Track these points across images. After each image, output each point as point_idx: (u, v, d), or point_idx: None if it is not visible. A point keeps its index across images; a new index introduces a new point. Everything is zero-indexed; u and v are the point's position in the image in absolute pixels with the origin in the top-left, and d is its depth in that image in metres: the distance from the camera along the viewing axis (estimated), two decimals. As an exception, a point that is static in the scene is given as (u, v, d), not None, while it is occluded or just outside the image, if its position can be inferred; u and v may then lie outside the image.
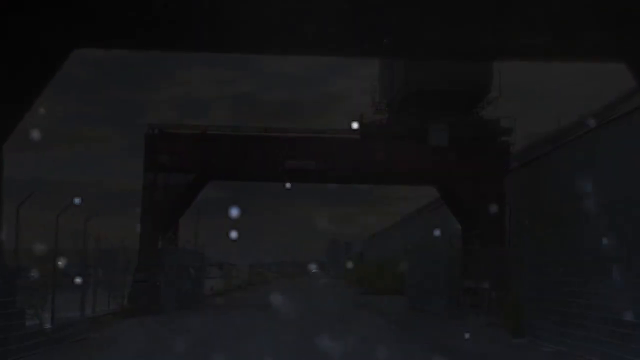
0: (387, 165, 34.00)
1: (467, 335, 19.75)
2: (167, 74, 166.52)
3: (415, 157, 33.71)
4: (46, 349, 16.14)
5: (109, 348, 17.98)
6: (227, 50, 15.55)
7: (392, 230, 77.46)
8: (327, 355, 16.13)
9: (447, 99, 34.07)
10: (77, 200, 18.38)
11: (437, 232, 42.37)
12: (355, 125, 34.28)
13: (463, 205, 34.66)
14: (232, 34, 13.79)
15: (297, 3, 13.32)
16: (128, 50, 15.73)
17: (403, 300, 40.92)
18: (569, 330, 17.21)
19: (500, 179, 33.18)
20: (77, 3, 13.18)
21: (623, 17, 12.19)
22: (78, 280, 24.12)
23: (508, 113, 35.01)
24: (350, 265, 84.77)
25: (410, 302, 38.65)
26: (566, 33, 12.70)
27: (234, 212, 38.74)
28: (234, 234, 47.80)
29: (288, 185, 37.62)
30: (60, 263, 20.83)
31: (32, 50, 14.20)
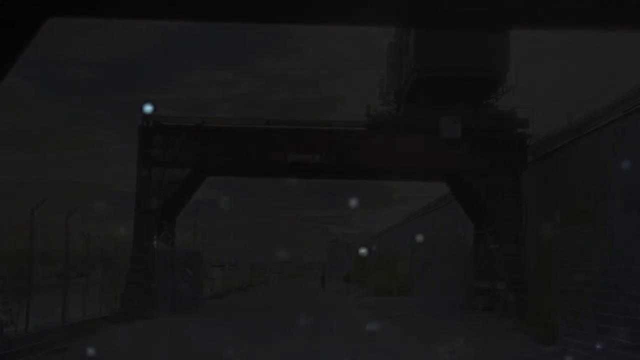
0: (395, 159, 32.03)
1: None
2: (167, 75, 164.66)
3: (425, 150, 31.77)
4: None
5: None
6: (225, 19, 13.06)
7: (396, 230, 75.78)
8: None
9: (460, 88, 32.08)
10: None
11: (443, 232, 40.53)
12: None
13: (476, 201, 32.71)
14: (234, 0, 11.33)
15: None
16: (110, 18, 13.70)
17: (411, 302, 39.07)
18: (609, 337, 15.27)
19: (516, 173, 31.35)
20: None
21: None
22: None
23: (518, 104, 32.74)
24: (353, 265, 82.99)
25: (419, 304, 36.77)
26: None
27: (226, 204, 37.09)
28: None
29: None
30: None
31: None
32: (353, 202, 48.12)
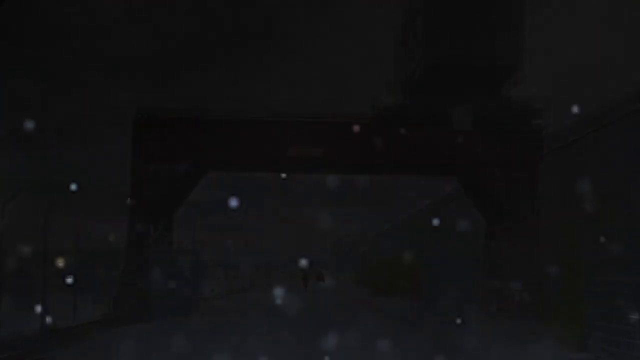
0: (402, 153, 30.47)
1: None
2: (167, 77, 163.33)
3: (434, 143, 30.18)
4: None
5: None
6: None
7: (400, 229, 74.12)
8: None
9: (471, 77, 30.32)
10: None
11: (453, 229, 38.91)
12: None
13: (488, 196, 31.00)
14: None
15: None
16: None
17: (419, 303, 37.48)
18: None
19: (532, 166, 29.69)
20: None
21: None
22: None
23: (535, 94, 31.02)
24: (357, 265, 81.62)
25: (427, 305, 35.21)
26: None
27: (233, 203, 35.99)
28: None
29: (283, 175, 34.61)
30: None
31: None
32: (357, 200, 46.89)
